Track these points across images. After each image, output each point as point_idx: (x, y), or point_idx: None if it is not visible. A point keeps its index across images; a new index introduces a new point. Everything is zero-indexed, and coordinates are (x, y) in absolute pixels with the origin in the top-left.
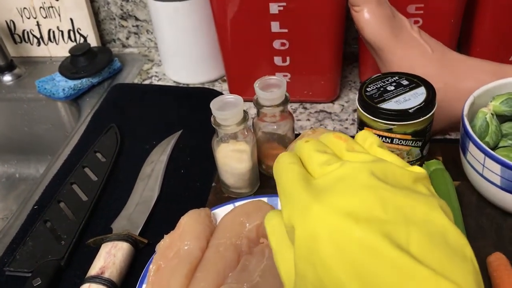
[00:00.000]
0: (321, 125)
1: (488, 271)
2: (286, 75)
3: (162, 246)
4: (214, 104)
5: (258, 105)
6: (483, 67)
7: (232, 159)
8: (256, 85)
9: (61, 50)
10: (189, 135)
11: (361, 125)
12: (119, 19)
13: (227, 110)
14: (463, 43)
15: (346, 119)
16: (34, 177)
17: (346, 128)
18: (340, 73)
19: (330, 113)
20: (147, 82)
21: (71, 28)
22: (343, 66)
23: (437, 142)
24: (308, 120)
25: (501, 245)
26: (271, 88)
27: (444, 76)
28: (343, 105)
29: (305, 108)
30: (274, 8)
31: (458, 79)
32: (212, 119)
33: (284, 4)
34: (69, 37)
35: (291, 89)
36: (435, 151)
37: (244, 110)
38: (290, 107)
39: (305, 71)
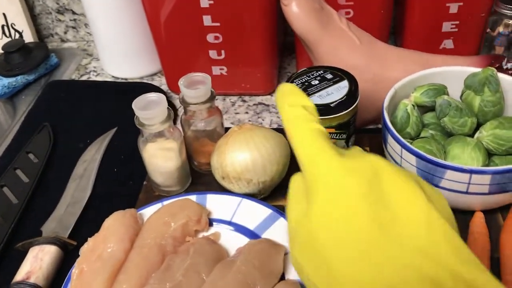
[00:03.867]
0: (259, 117)
1: None
2: (223, 69)
3: (86, 249)
4: (136, 104)
5: (185, 103)
6: (411, 57)
7: (160, 158)
8: (181, 82)
9: None
10: (123, 132)
11: None
12: (55, 13)
13: (150, 109)
14: (396, 32)
15: None
16: None
17: None
18: (276, 65)
19: (268, 105)
20: (85, 77)
21: (5, 24)
22: (282, 57)
23: (365, 132)
24: (247, 113)
25: None
26: (197, 85)
27: (372, 67)
28: None
29: (244, 101)
30: (204, 2)
31: (387, 69)
32: (135, 119)
33: None
34: (4, 32)
35: (229, 82)
36: (363, 142)
37: (168, 108)
38: (230, 99)
39: (241, 64)
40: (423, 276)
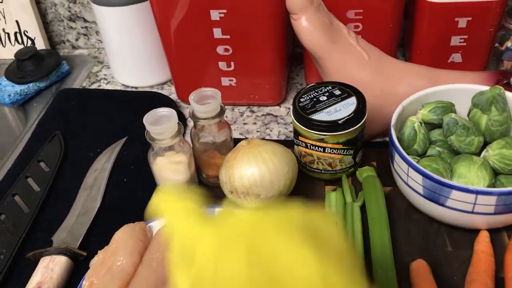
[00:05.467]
0: (267, 128)
1: (410, 277)
2: (232, 80)
3: (96, 262)
4: (147, 119)
5: (195, 118)
6: (417, 73)
7: (169, 171)
8: (191, 97)
9: (9, 52)
10: (133, 141)
11: (296, 134)
12: (67, 20)
13: (161, 124)
14: (405, 45)
15: (291, 123)
16: None
17: (291, 131)
18: (284, 77)
19: (276, 116)
20: (96, 85)
21: (18, 31)
22: (291, 67)
23: (373, 146)
24: (255, 123)
25: (426, 250)
26: (207, 100)
27: (380, 82)
28: (289, 108)
29: (252, 111)
30: (215, 15)
31: (394, 84)
32: (146, 134)
33: (225, 11)
34: (16, 39)
35: (237, 93)
36: (370, 156)
37: (178, 122)
38: (238, 110)
39: (250, 76)
40: None
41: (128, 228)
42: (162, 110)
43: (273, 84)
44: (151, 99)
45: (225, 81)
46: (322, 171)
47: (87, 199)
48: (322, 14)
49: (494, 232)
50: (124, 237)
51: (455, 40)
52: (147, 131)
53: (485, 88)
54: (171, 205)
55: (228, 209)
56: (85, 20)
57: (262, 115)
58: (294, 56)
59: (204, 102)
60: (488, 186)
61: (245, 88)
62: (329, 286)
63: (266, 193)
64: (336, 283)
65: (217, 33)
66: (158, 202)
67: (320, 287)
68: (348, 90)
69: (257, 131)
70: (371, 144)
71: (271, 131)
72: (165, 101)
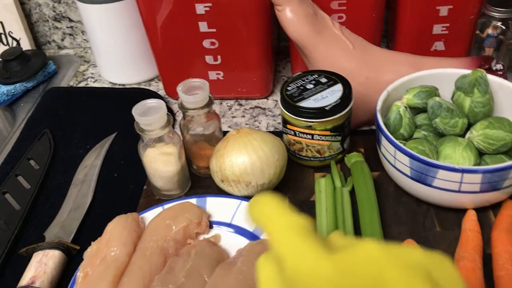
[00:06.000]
0: (255, 121)
1: None
2: (219, 73)
3: (90, 253)
4: (136, 110)
5: (183, 109)
6: (403, 60)
7: (160, 162)
8: (179, 88)
9: None
10: (123, 137)
11: (284, 123)
12: (52, 20)
13: (150, 115)
14: (389, 35)
15: (279, 115)
16: None
17: (279, 123)
18: (271, 69)
19: (264, 108)
20: (83, 84)
21: (2, 32)
22: (277, 61)
23: (360, 134)
24: (243, 116)
25: (414, 231)
26: (195, 91)
27: (365, 70)
28: (276, 101)
29: (241, 105)
30: (200, 9)
31: (379, 72)
32: (135, 125)
33: (210, 4)
34: (1, 40)
35: (225, 86)
36: (358, 143)
37: (167, 114)
38: (226, 103)
39: (237, 69)
40: None
41: (121, 219)
42: (151, 101)
43: (260, 77)
44: (139, 96)
45: (213, 75)
46: (311, 158)
47: (78, 195)
48: (306, 5)
49: (481, 211)
50: (117, 227)
51: (437, 29)
52: (137, 122)
53: (468, 71)
54: (280, 220)
55: (342, 237)
56: (70, 20)
57: (250, 108)
58: (280, 49)
59: (192, 93)
60: (473, 166)
61: (232, 82)
62: None
63: (257, 181)
64: None
65: (203, 26)
66: (260, 212)
67: None
68: (334, 78)
69: (246, 124)
70: (358, 132)
71: (259, 123)
72: (153, 97)
